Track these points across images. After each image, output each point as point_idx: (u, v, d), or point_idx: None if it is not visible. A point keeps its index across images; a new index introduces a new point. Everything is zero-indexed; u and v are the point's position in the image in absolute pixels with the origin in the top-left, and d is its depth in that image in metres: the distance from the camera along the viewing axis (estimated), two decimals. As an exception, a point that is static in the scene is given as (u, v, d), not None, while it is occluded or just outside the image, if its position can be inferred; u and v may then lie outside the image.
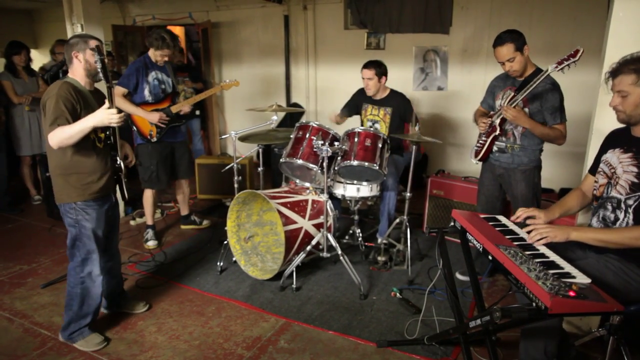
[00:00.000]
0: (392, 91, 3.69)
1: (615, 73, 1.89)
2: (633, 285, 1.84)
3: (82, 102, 2.35)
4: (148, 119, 3.60)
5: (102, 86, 2.36)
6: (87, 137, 2.31)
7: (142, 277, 3.33)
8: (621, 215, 1.92)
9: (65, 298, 2.54)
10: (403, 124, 3.74)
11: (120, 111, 2.26)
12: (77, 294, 2.49)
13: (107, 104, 2.25)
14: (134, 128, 3.69)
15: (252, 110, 3.79)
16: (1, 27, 7.71)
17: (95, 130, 2.35)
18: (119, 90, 3.55)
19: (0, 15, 7.81)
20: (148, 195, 3.89)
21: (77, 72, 2.42)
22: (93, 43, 2.39)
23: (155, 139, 3.69)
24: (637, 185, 1.86)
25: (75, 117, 2.30)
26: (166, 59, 3.65)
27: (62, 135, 2.23)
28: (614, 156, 2.00)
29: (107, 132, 2.45)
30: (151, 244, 3.84)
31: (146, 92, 3.62)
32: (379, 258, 3.45)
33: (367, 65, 3.56)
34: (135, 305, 2.89)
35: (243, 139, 3.44)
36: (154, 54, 3.60)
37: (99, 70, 2.23)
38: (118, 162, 2.50)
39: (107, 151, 2.48)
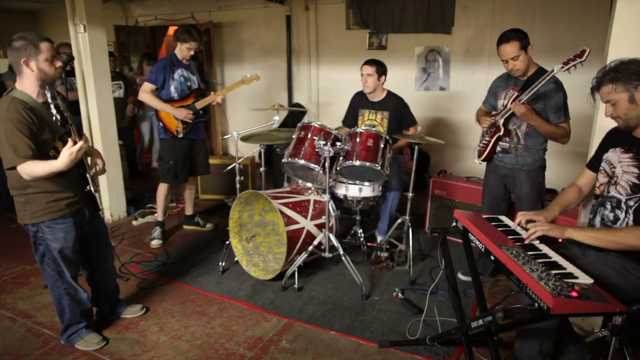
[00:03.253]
0: (389, 93, 3.65)
1: (597, 87, 1.94)
2: (635, 283, 1.84)
3: (37, 122, 2.09)
4: (176, 114, 3.67)
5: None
6: (47, 156, 2.13)
7: (144, 277, 3.33)
8: (621, 216, 1.93)
9: (56, 308, 2.51)
10: (401, 129, 3.70)
11: (81, 141, 2.05)
12: (67, 304, 2.46)
13: (70, 142, 2.02)
14: (159, 123, 3.74)
15: (256, 110, 3.79)
16: (4, 28, 7.71)
17: (56, 148, 2.18)
18: (147, 86, 3.64)
19: (3, 16, 7.84)
20: (162, 189, 3.91)
21: (28, 83, 2.13)
22: (45, 46, 2.10)
23: (181, 135, 3.74)
24: (638, 186, 1.87)
25: (35, 140, 2.08)
26: (192, 52, 3.70)
27: (32, 174, 2.06)
28: (614, 155, 2.00)
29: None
30: (155, 243, 3.84)
31: (172, 89, 3.69)
32: (381, 254, 3.45)
33: (368, 62, 3.55)
34: (131, 308, 2.86)
35: (245, 139, 3.44)
36: (181, 50, 3.67)
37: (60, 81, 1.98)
38: (88, 188, 2.34)
39: (74, 166, 2.21)
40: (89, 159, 2.40)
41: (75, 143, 2.04)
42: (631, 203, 1.89)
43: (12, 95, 2.11)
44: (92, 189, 2.37)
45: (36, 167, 2.05)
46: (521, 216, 2.14)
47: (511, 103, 2.66)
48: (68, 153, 2.03)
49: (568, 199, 2.23)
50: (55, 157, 2.13)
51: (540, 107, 2.70)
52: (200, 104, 3.75)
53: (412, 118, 3.63)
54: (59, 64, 2.19)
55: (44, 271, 2.41)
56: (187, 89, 3.76)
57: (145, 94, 3.64)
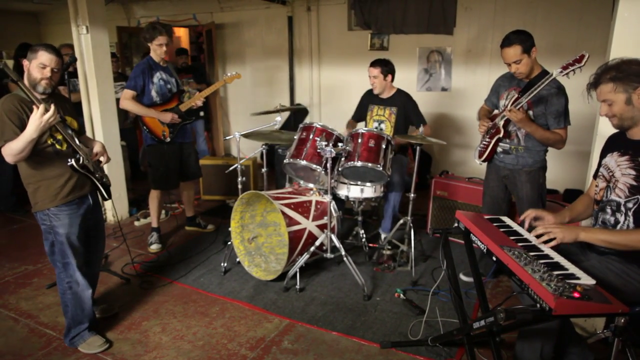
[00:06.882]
0: (399, 90, 3.71)
1: (595, 84, 1.91)
2: (635, 286, 1.84)
3: (30, 114, 2.21)
4: (161, 119, 3.61)
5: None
6: (45, 143, 2.27)
7: (146, 278, 3.34)
8: (621, 219, 1.92)
9: (62, 305, 2.54)
10: (408, 126, 3.74)
11: (48, 108, 2.12)
12: (69, 300, 2.49)
13: (34, 109, 2.12)
14: (145, 128, 3.69)
15: (257, 114, 3.78)
16: (7, 30, 7.76)
17: (53, 136, 2.30)
18: (127, 93, 3.55)
19: (6, 17, 7.87)
20: (154, 195, 3.88)
21: (27, 81, 2.30)
22: (43, 55, 2.27)
23: (169, 139, 3.69)
24: (636, 187, 1.86)
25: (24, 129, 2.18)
26: (164, 48, 3.60)
27: (12, 152, 2.17)
28: (612, 160, 2.00)
29: (70, 132, 2.34)
30: (154, 247, 3.83)
31: (153, 93, 3.62)
32: (384, 252, 3.45)
33: (373, 64, 3.61)
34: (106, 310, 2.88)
35: (247, 137, 3.44)
36: (154, 50, 3.60)
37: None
38: (70, 161, 2.35)
39: (70, 153, 2.38)
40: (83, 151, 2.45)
41: (46, 111, 2.13)
42: (630, 205, 1.88)
43: (12, 92, 2.31)
44: (75, 162, 2.38)
45: (13, 144, 2.17)
46: (530, 211, 2.14)
47: (510, 106, 2.64)
48: (33, 120, 2.13)
49: (579, 208, 2.23)
50: (53, 145, 2.33)
51: (541, 110, 2.69)
52: (184, 106, 3.68)
53: (421, 116, 3.66)
54: (46, 73, 2.26)
55: (53, 263, 2.48)
56: (168, 92, 3.68)
57: (127, 101, 3.54)
